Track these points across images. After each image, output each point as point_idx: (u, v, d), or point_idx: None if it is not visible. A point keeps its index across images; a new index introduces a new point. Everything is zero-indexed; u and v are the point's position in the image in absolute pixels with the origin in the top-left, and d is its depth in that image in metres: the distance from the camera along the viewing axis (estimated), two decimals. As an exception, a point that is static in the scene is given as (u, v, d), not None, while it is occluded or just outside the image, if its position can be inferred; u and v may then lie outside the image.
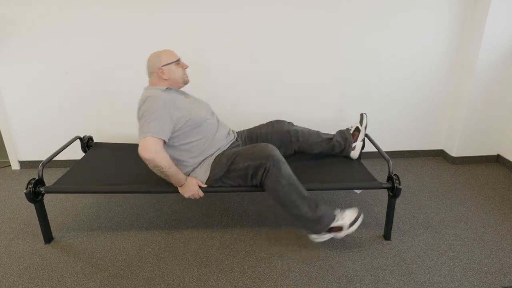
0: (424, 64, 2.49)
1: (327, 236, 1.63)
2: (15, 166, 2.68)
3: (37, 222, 1.75)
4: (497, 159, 2.66)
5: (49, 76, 2.42)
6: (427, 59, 2.47)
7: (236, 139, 1.88)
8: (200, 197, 1.67)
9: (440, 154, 2.79)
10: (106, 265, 1.63)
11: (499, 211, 2.01)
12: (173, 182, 1.62)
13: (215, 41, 2.36)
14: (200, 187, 1.66)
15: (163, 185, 1.68)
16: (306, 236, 1.80)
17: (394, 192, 1.64)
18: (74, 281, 1.53)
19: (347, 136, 1.94)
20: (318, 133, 1.98)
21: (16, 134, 2.58)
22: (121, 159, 2.05)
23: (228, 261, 1.64)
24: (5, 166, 2.71)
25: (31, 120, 2.53)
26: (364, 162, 2.01)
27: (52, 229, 1.87)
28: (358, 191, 2.20)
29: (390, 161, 1.72)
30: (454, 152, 2.62)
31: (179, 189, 1.64)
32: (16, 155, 2.65)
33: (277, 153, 1.58)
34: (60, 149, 1.92)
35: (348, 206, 2.06)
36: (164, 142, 1.55)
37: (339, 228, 1.61)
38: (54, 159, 1.97)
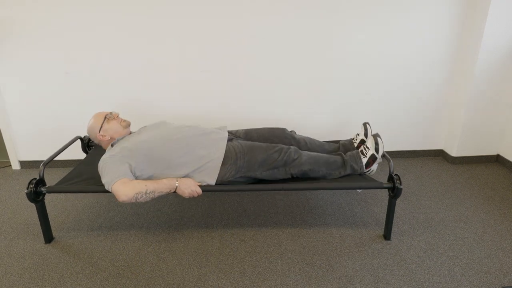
0: (424, 64, 2.49)
1: (372, 168, 1.81)
2: (16, 166, 2.68)
3: (38, 222, 1.75)
4: (497, 159, 2.66)
5: (49, 76, 2.42)
6: (427, 59, 2.48)
7: (231, 133, 1.92)
8: (199, 195, 1.64)
9: (440, 154, 2.79)
10: (106, 265, 1.63)
11: (499, 211, 2.01)
12: (167, 191, 1.58)
13: (214, 41, 2.37)
14: (203, 186, 1.66)
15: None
16: (306, 236, 1.80)
17: (394, 192, 1.64)
18: (74, 281, 1.53)
19: (356, 158, 1.80)
20: (321, 145, 1.97)
21: (17, 134, 2.59)
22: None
23: (228, 261, 1.65)
24: (6, 166, 2.72)
25: (31, 120, 2.54)
26: (364, 162, 2.01)
27: (53, 229, 1.87)
28: (358, 190, 2.20)
29: (391, 161, 1.72)
30: (454, 152, 2.63)
31: (178, 192, 1.60)
32: (17, 155, 2.65)
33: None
34: (60, 149, 1.92)
35: (348, 206, 2.07)
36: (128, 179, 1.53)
37: (373, 158, 1.77)
38: (54, 159, 1.97)
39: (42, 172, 1.69)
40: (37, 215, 1.73)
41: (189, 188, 1.60)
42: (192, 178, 1.66)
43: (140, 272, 1.58)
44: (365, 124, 2.00)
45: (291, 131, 2.00)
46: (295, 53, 2.42)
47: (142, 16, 2.29)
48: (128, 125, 1.83)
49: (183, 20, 2.31)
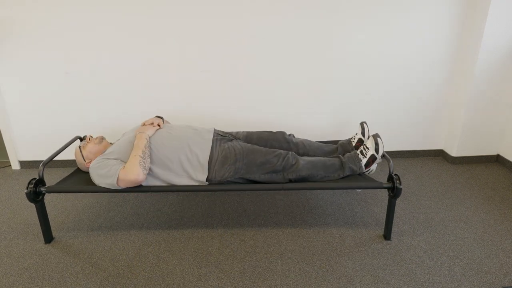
0: (424, 64, 2.49)
1: (371, 168, 1.81)
2: (15, 166, 2.68)
3: (37, 222, 1.75)
4: (497, 159, 2.66)
5: (49, 76, 2.42)
6: (427, 59, 2.48)
7: (231, 134, 1.96)
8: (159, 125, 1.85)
9: (440, 154, 2.79)
10: (106, 265, 1.63)
11: (499, 211, 2.01)
12: (146, 142, 1.70)
13: (214, 41, 2.36)
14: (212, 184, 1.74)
15: (163, 185, 1.68)
16: (306, 236, 1.80)
17: (394, 192, 1.64)
18: (74, 281, 1.53)
19: (355, 159, 1.80)
20: (320, 147, 1.98)
21: (16, 134, 2.59)
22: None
23: (228, 261, 1.65)
24: (5, 166, 2.72)
25: (31, 120, 2.54)
26: (364, 162, 2.01)
27: (52, 229, 1.87)
28: (358, 190, 2.20)
29: (391, 161, 1.72)
30: (454, 152, 2.63)
31: (147, 138, 1.73)
32: (16, 155, 2.65)
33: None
34: (60, 149, 1.92)
35: (348, 206, 2.07)
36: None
37: (372, 159, 1.78)
38: (54, 159, 1.97)
39: (41, 172, 1.69)
40: (37, 215, 1.73)
41: (148, 129, 1.77)
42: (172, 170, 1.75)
43: (140, 272, 1.58)
44: (362, 124, 2.00)
45: (289, 135, 2.00)
46: (295, 53, 2.42)
47: (142, 16, 2.29)
48: (102, 139, 1.90)
49: (183, 20, 2.31)
